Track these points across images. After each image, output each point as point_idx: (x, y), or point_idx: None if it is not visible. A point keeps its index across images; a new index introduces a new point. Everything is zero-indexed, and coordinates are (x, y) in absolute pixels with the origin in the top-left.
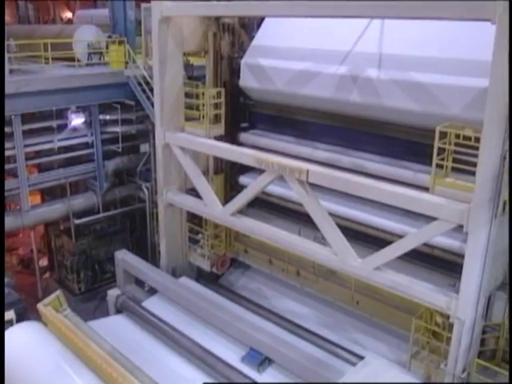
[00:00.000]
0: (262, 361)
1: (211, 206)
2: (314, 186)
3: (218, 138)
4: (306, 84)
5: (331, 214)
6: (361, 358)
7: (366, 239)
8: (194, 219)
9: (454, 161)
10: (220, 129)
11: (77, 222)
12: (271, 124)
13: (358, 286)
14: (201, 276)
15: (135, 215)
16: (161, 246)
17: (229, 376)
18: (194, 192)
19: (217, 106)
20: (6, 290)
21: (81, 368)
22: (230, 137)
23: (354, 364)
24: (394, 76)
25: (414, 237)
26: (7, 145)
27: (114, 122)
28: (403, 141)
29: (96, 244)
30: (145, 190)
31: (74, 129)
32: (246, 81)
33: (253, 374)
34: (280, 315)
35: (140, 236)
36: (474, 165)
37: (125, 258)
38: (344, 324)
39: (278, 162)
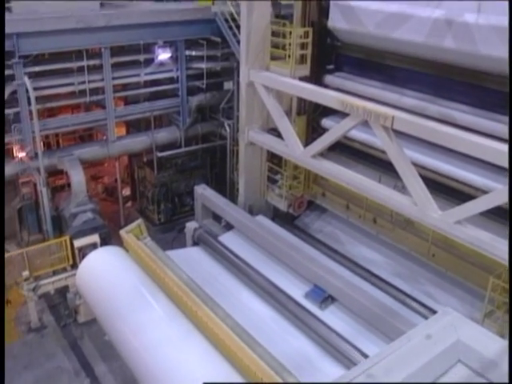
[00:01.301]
0: (325, 298)
1: (292, 147)
2: (398, 133)
3: (303, 79)
4: (397, 27)
5: (414, 164)
6: (431, 310)
7: (448, 192)
8: (274, 159)
9: None
10: (305, 69)
11: (159, 154)
12: (358, 67)
13: (436, 239)
14: (277, 216)
15: (216, 152)
16: (239, 184)
17: (293, 310)
18: (275, 132)
19: (303, 46)
20: (92, 216)
21: (157, 293)
22: (315, 78)
23: (424, 316)
24: (495, 22)
25: (500, 193)
26: (96, 77)
27: (200, 59)
28: (497, 92)
29: (177, 177)
30: (226, 127)
31: (161, 63)
32: (335, 21)
33: (315, 310)
34: (353, 261)
35: (219, 172)
36: None
37: (204, 192)
38: (417, 275)
39: (363, 106)
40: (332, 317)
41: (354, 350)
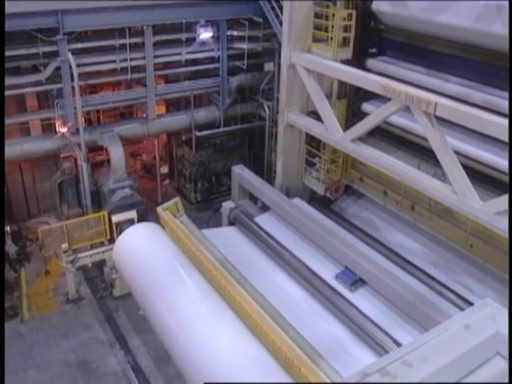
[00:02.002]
0: (355, 281)
1: (331, 131)
2: (440, 120)
3: (345, 62)
4: (443, 11)
5: (455, 152)
6: (467, 302)
7: (490, 182)
8: (313, 142)
9: None
10: (347, 52)
11: (198, 134)
12: (401, 52)
13: (474, 229)
14: (313, 199)
15: (254, 133)
16: (277, 166)
17: (323, 292)
18: (314, 115)
19: (346, 28)
20: (130, 192)
21: (191, 271)
22: (357, 61)
23: (459, 307)
24: None
25: None
26: (138, 54)
27: (241, 39)
28: None
29: (215, 157)
30: (266, 108)
31: (202, 43)
32: (379, 4)
33: (345, 292)
34: (388, 247)
35: (257, 153)
36: None
37: (241, 173)
38: (454, 266)
39: (405, 91)
40: (362, 300)
41: (385, 337)
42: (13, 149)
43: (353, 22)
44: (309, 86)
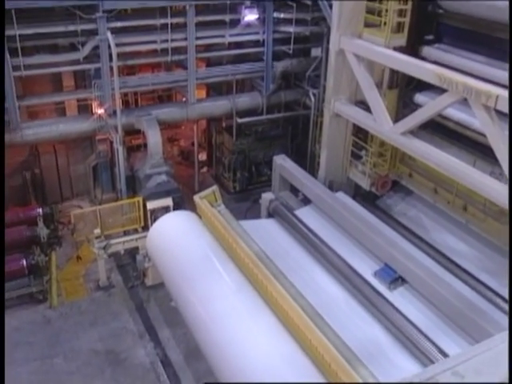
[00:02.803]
0: (395, 279)
1: (380, 122)
2: (500, 114)
3: (398, 49)
4: None
5: None
6: None
7: None
8: (359, 133)
9: None
10: (401, 39)
11: (239, 120)
12: (461, 39)
13: None
14: (358, 194)
15: (298, 122)
16: (321, 157)
17: (362, 289)
18: (363, 105)
19: (401, 12)
20: (166, 178)
21: (227, 263)
22: (412, 49)
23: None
24: None
25: None
26: (179, 35)
27: (288, 22)
28: None
29: (255, 146)
30: (311, 96)
31: (247, 25)
32: None
33: (384, 290)
34: (436, 248)
35: (300, 144)
36: None
37: (283, 163)
38: (507, 272)
39: (463, 82)
40: (402, 300)
41: (429, 344)
42: (48, 129)
43: (408, 6)
44: (358, 73)
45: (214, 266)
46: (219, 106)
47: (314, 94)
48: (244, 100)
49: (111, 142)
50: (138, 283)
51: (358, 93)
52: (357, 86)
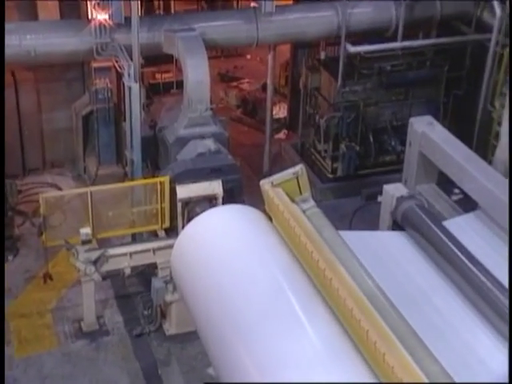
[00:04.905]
0: None
1: None
2: None
3: None
4: None
5: None
6: None
7: None
8: None
9: None
10: None
11: (352, 49)
12: None
13: None
14: None
15: (463, 57)
16: (502, 127)
17: None
18: None
19: None
20: (213, 147)
21: (314, 303)
22: None
23: None
24: None
25: None
26: None
27: None
28: None
29: (379, 97)
30: (496, 8)
31: None
32: None
33: None
34: None
35: (464, 98)
36: None
37: (428, 132)
38: None
39: None
40: None
41: None
42: (6, 42)
43: None
44: None
45: (290, 307)
46: (317, 20)
47: (501, 6)
48: (362, 12)
49: (119, 75)
50: (152, 330)
51: None
52: None
